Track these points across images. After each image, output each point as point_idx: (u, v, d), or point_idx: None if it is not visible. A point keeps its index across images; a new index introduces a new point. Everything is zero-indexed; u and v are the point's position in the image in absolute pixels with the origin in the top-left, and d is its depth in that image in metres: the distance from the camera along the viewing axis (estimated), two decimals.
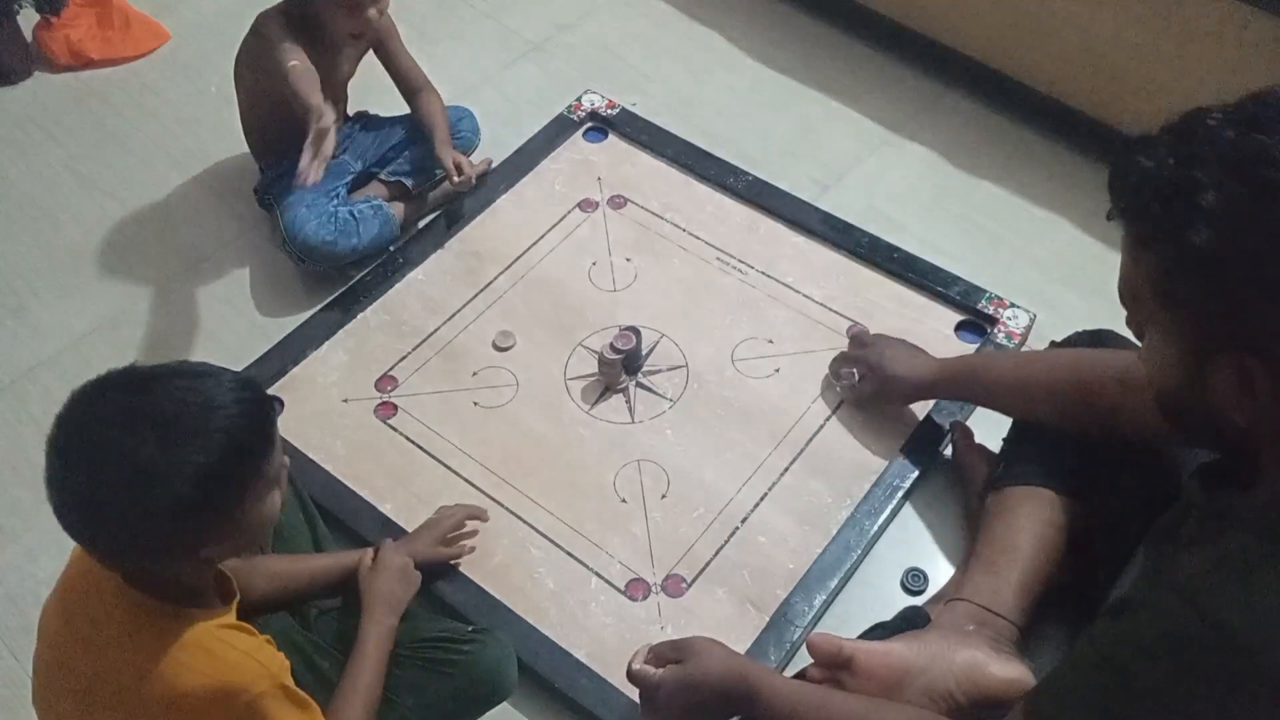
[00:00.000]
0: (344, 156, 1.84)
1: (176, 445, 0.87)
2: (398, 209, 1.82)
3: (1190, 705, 0.80)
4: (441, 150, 1.78)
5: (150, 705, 0.94)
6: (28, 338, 1.75)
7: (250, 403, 0.93)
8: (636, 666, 1.06)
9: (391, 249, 1.80)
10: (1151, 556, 0.99)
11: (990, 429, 1.46)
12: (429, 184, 1.88)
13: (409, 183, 1.85)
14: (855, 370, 1.52)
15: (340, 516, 1.45)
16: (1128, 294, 0.87)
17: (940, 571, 1.44)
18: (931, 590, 1.41)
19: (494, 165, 1.91)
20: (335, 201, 1.75)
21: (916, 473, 1.49)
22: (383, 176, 1.85)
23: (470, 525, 1.43)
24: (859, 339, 1.57)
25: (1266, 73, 1.61)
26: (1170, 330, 0.84)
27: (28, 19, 2.17)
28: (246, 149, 1.89)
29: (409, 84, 1.84)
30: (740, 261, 1.75)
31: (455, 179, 1.77)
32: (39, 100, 2.12)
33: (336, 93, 1.81)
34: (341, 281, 1.77)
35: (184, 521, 0.89)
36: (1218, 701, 0.79)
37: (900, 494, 1.47)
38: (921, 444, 1.52)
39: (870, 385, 1.51)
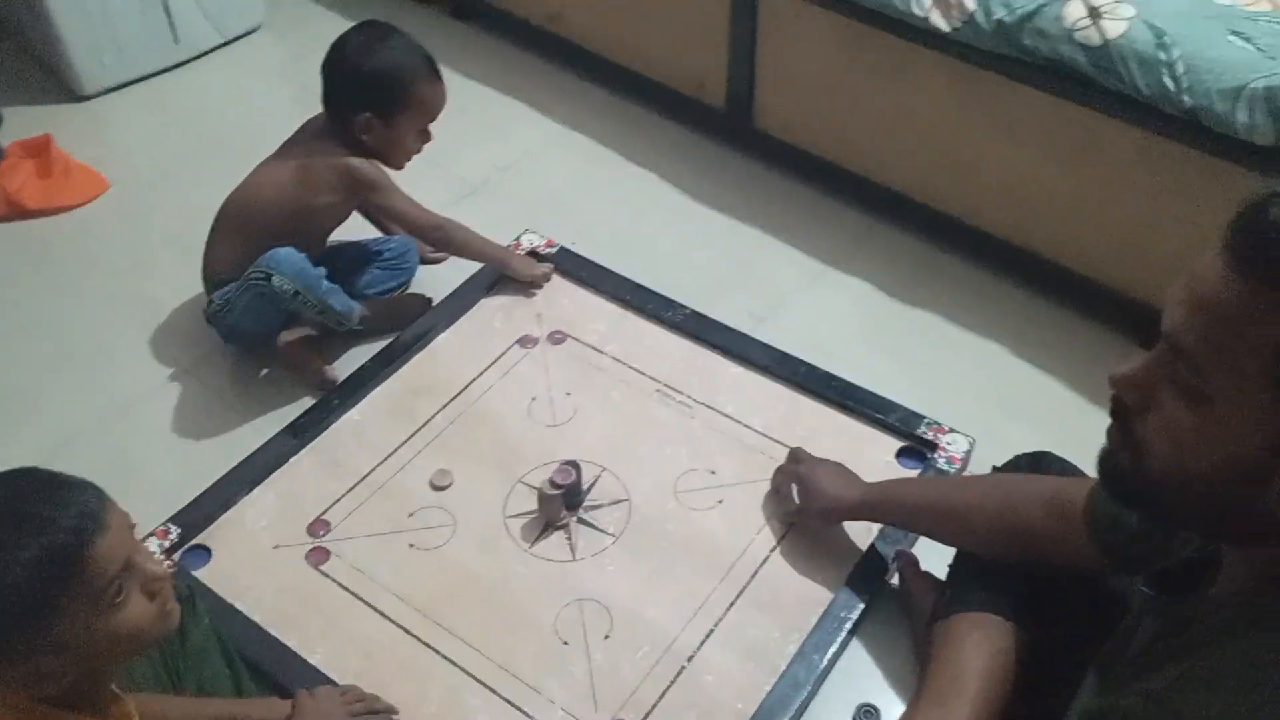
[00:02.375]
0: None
1: None
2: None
3: None
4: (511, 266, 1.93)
5: None
6: None
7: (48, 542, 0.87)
8: None
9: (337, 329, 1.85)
10: (1105, 675, 0.96)
11: (937, 556, 1.45)
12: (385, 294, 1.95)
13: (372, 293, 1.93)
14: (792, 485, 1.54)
15: (265, 667, 1.37)
16: (1208, 350, 0.74)
17: (893, 705, 1.39)
18: None
19: (434, 303, 1.92)
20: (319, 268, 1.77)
21: (863, 604, 1.46)
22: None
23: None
24: (795, 455, 1.57)
25: (1175, 204, 1.67)
26: (1268, 411, 0.72)
27: None
28: (188, 293, 1.91)
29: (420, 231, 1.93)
30: (680, 394, 1.75)
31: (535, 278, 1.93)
32: None
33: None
34: (277, 420, 1.74)
35: None
36: None
37: (848, 626, 1.44)
38: (867, 574, 1.50)
39: (798, 501, 1.53)
